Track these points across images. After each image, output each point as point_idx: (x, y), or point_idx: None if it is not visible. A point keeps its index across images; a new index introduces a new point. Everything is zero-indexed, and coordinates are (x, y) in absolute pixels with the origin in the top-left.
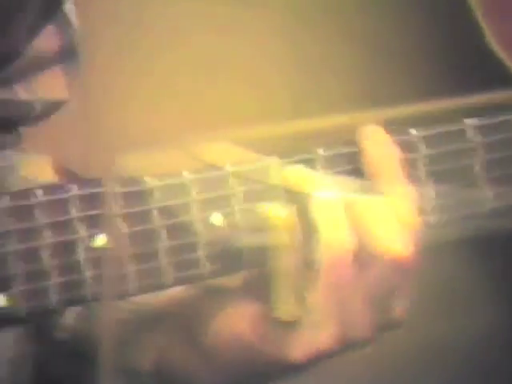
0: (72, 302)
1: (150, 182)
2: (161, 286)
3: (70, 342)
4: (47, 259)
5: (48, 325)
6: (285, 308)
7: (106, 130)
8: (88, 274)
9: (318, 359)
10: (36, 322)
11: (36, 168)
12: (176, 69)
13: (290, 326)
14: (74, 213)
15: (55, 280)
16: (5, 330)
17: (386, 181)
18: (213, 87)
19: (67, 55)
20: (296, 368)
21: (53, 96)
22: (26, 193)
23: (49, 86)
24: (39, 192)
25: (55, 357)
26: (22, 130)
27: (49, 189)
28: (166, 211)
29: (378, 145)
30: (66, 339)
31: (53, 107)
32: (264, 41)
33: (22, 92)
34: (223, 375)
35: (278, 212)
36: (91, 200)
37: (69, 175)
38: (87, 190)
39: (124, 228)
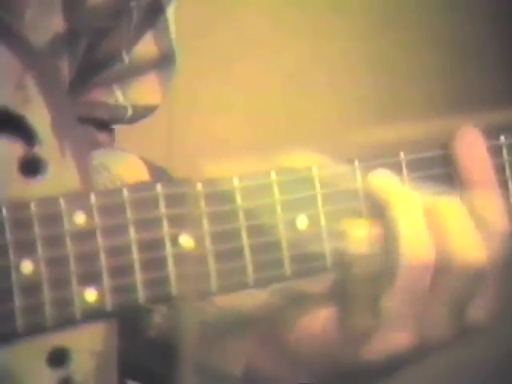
0: (157, 300)
1: (235, 182)
2: (242, 286)
3: (156, 341)
4: (134, 256)
5: (137, 322)
6: (360, 315)
7: (191, 134)
8: (172, 272)
9: (396, 362)
10: (124, 317)
11: (128, 166)
12: (261, 77)
13: (366, 330)
14: (161, 211)
15: (141, 277)
16: (94, 324)
17: (477, 184)
18: (298, 94)
19: (164, 61)
20: (376, 371)
21: (147, 101)
22: (116, 191)
23: (144, 91)
24: (126, 190)
25: (142, 354)
26: (115, 130)
27: (137, 187)
28: (250, 212)
29: (473, 147)
30: (154, 338)
31: (145, 111)
32: (349, 47)
33: (118, 95)
34: (308, 378)
35: (359, 225)
36: (177, 199)
37: (158, 173)
38: (173, 190)
39: (208, 227)
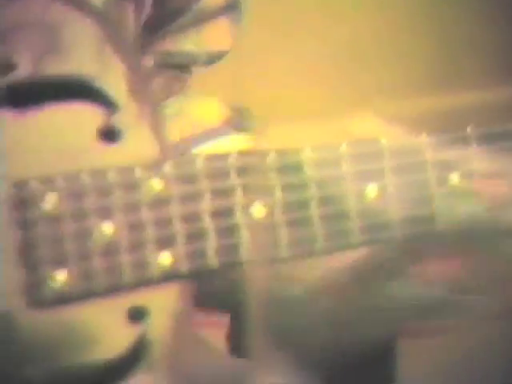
0: (228, 265)
1: (306, 153)
2: (311, 254)
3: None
4: (207, 223)
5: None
6: None
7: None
8: (243, 239)
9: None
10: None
11: (207, 109)
12: (327, 48)
13: None
14: (234, 181)
15: (213, 243)
16: (170, 285)
17: None
18: (362, 64)
19: (231, 8)
20: None
21: (218, 46)
22: (190, 160)
23: (214, 36)
24: (201, 159)
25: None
26: (190, 76)
27: (211, 157)
28: (320, 182)
29: None
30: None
31: (217, 56)
32: (408, 20)
33: (190, 42)
34: None
35: None
36: (249, 169)
37: (237, 114)
38: (246, 160)
39: (279, 197)
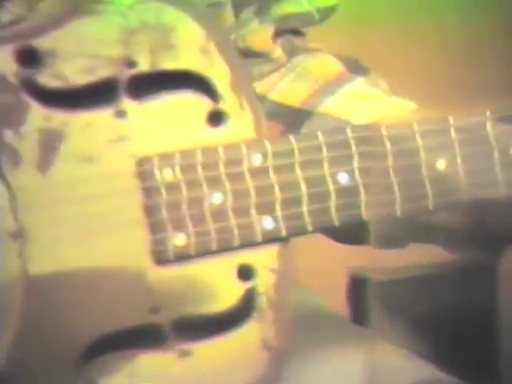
0: (321, 228)
1: (383, 130)
2: (390, 216)
3: None
4: (302, 191)
5: None
6: None
7: None
8: (333, 204)
9: None
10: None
11: (325, 64)
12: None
13: None
14: (322, 154)
15: (307, 208)
16: (273, 245)
17: None
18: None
19: None
20: None
21: (328, 2)
22: (285, 140)
23: None
24: (293, 138)
25: None
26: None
27: (300, 137)
28: (398, 153)
29: None
30: None
31: (329, 12)
32: None
33: (304, 3)
34: None
35: None
36: (334, 144)
37: (352, 65)
38: (333, 138)
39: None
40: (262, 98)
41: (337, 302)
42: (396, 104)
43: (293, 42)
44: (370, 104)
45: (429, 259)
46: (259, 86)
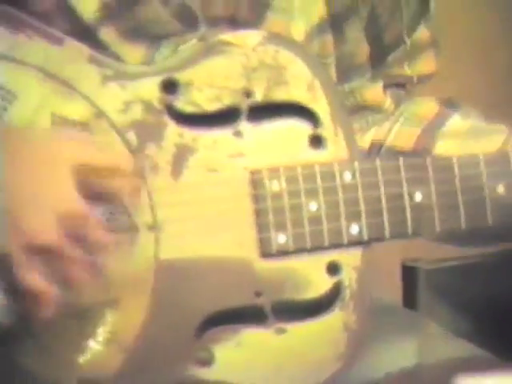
0: (397, 235)
1: (453, 160)
2: (456, 229)
3: None
4: (383, 204)
5: None
6: None
7: None
8: (408, 217)
9: None
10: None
11: (426, 106)
12: None
13: None
14: (401, 175)
15: (387, 218)
16: (356, 248)
17: None
18: None
19: (435, 42)
20: None
21: (427, 71)
22: (370, 160)
23: (424, 64)
24: (378, 160)
25: None
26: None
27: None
28: (463, 178)
29: None
30: None
31: (427, 79)
32: None
33: (406, 69)
34: None
35: None
36: (413, 167)
37: (449, 105)
38: (411, 161)
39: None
40: (379, 145)
41: (392, 289)
42: (489, 130)
43: (399, 93)
44: (469, 141)
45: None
46: (375, 134)
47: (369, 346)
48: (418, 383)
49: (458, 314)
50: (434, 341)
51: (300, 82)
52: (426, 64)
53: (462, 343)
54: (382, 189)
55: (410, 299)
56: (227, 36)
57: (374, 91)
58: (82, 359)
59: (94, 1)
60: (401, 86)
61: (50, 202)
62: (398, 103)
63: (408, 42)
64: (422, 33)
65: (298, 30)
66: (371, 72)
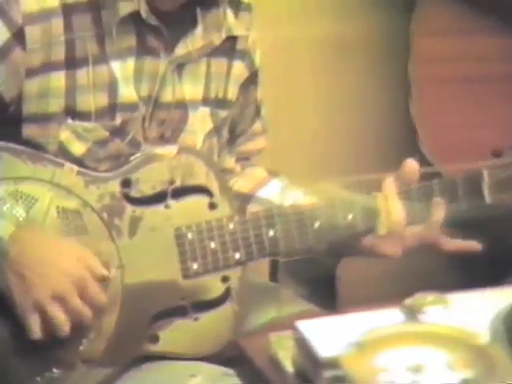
0: (262, 257)
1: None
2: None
3: None
4: (252, 239)
5: None
6: None
7: None
8: (267, 245)
9: None
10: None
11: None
12: None
13: None
14: (263, 221)
15: (254, 248)
16: None
17: None
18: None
19: None
20: None
21: (259, 147)
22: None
23: (257, 143)
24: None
25: None
26: None
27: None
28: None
29: None
30: None
31: (259, 152)
32: None
33: (249, 146)
34: None
35: None
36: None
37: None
38: (268, 212)
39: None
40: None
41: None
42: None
43: (244, 162)
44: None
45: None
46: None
47: (247, 316)
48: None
49: (301, 284)
50: (285, 297)
51: (201, 173)
52: (259, 144)
53: (304, 302)
54: (251, 231)
55: (273, 276)
56: (158, 150)
57: (230, 161)
58: (81, 347)
59: None
60: (245, 159)
61: (65, 270)
62: (243, 168)
63: (249, 131)
64: (257, 126)
65: (199, 140)
66: (228, 150)
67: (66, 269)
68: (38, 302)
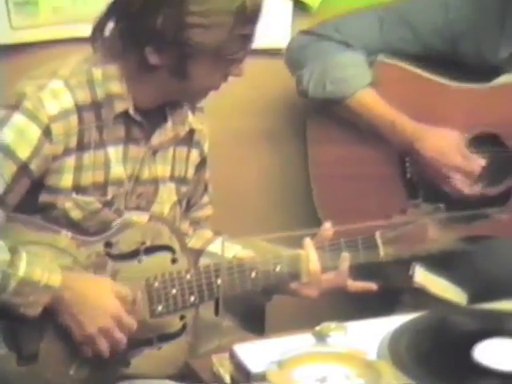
0: (210, 299)
1: None
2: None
3: None
4: (204, 286)
5: None
6: None
7: None
8: (215, 290)
9: None
10: None
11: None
12: None
13: None
14: (212, 272)
15: (205, 293)
16: None
17: None
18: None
19: None
20: None
21: (207, 214)
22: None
23: (206, 211)
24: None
25: None
26: None
27: None
28: None
29: None
30: None
31: (207, 218)
32: None
33: (205, 211)
34: None
35: None
36: None
37: None
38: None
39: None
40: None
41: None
42: None
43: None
44: None
45: None
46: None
47: (198, 344)
48: None
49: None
50: (227, 328)
51: (166, 236)
52: (207, 212)
53: (242, 330)
54: (203, 280)
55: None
56: (135, 217)
57: (185, 225)
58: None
59: None
60: (196, 223)
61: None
62: (195, 230)
63: (199, 202)
64: (205, 198)
65: (166, 210)
66: (184, 216)
67: (106, 307)
68: (89, 334)
